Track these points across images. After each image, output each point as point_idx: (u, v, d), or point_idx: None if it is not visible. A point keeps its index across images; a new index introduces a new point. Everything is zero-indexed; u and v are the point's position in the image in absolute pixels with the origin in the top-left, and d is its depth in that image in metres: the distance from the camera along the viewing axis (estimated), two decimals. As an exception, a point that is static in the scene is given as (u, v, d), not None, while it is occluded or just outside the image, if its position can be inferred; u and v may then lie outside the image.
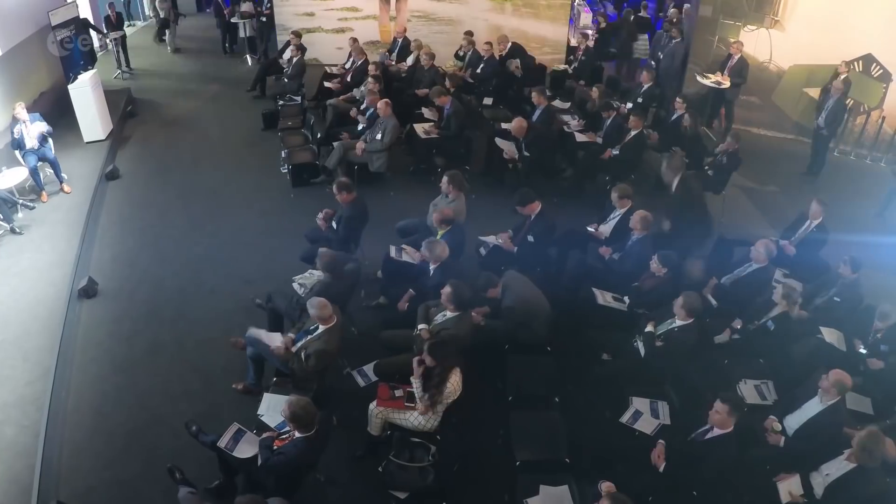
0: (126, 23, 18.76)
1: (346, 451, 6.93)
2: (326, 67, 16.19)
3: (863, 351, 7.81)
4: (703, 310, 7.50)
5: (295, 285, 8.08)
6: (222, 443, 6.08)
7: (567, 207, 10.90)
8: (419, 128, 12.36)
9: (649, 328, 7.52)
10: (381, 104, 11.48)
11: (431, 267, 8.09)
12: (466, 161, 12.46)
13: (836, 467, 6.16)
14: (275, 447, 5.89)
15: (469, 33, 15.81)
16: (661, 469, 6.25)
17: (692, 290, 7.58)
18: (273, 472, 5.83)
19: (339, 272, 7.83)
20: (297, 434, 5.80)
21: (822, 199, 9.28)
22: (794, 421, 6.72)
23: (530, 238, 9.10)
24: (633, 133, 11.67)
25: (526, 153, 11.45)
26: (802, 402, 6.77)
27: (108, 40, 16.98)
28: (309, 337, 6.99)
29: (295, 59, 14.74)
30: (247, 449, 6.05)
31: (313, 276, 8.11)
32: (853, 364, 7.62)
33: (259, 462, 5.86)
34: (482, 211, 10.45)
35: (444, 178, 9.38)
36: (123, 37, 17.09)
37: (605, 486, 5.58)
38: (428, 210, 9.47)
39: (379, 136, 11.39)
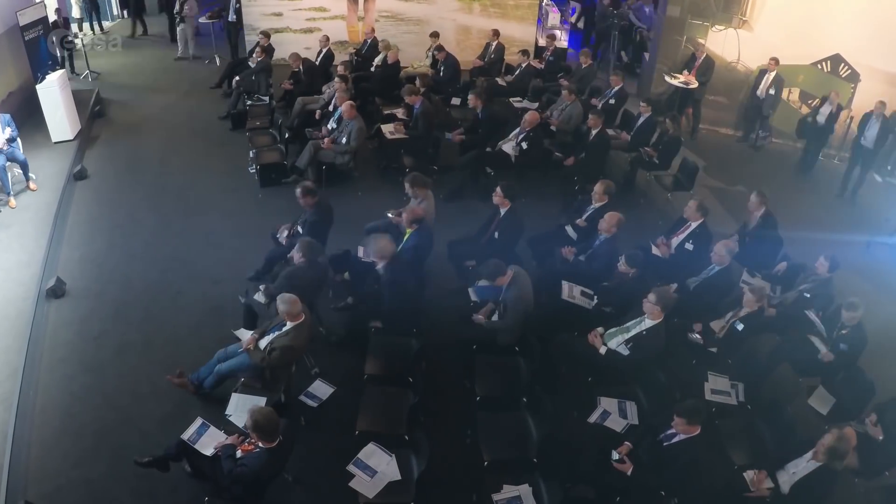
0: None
1: (314, 451, 6.96)
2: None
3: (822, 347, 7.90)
4: (673, 306, 7.52)
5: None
6: (186, 435, 6.18)
7: (536, 206, 10.97)
8: (385, 128, 12.43)
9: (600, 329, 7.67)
10: (345, 106, 11.48)
11: (379, 265, 7.95)
12: (434, 161, 12.50)
13: (803, 466, 6.26)
14: (238, 455, 5.93)
15: (435, 34, 15.99)
16: (629, 473, 6.33)
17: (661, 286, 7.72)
18: (237, 483, 5.86)
19: (313, 259, 7.87)
20: (260, 444, 5.84)
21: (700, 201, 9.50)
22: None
23: (496, 234, 9.14)
24: (593, 132, 11.80)
25: (524, 145, 11.46)
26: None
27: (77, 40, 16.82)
28: (277, 333, 7.03)
29: (259, 60, 14.78)
30: (209, 443, 6.14)
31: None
32: (815, 362, 7.79)
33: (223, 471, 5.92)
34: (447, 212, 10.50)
35: (406, 184, 9.35)
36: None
37: None
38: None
39: (344, 140, 11.43)
